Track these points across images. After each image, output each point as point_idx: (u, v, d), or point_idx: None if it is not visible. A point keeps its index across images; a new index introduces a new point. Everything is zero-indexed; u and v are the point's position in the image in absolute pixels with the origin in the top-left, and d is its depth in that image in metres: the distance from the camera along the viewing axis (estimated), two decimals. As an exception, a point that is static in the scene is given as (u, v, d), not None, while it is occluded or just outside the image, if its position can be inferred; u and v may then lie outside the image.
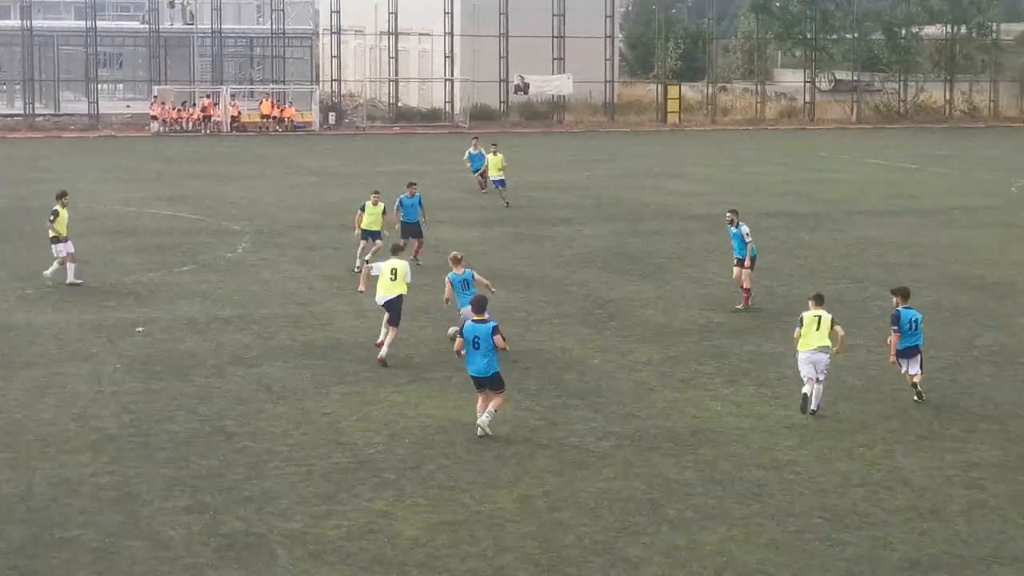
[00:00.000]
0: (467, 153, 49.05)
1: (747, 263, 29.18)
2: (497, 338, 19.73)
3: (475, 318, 20.01)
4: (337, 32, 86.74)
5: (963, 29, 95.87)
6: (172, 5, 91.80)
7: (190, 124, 79.51)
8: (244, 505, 16.94)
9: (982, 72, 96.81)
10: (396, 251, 25.67)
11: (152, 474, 18.09)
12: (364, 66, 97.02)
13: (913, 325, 21.65)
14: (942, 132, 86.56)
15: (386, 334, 24.60)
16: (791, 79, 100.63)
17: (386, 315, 24.77)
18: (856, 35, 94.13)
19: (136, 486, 17.60)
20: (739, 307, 29.10)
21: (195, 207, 45.01)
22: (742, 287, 29.36)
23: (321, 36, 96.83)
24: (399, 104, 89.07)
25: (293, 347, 25.51)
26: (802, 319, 21.57)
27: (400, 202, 33.78)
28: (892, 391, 22.53)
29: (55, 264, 31.04)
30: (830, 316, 21.55)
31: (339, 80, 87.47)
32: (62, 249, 30.86)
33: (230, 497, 17.23)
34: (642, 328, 27.31)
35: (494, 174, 46.96)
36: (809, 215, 44.38)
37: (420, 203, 34.08)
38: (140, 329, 26.80)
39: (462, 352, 20.08)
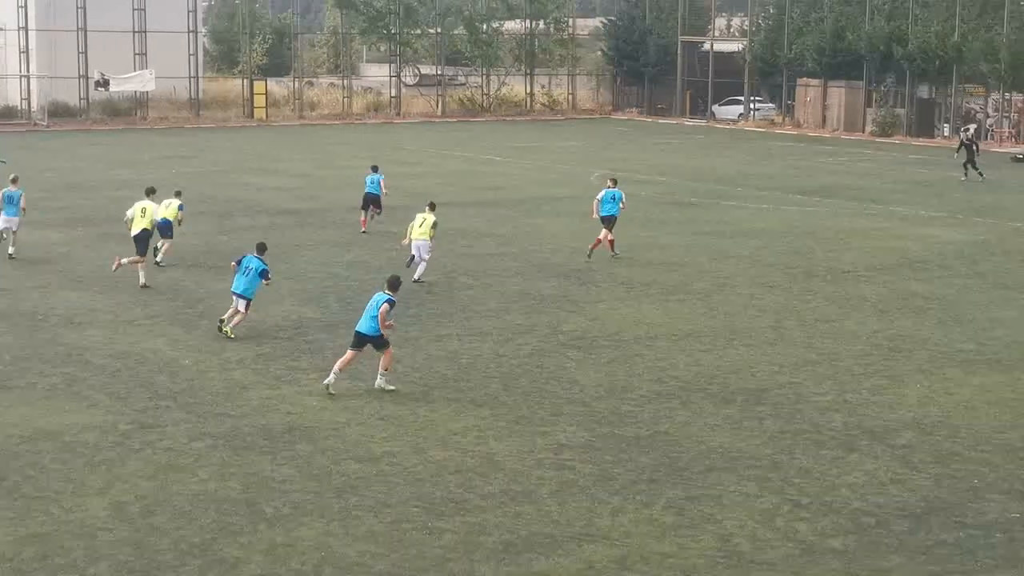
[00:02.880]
0: None
1: None
2: (383, 308, 22.09)
3: (385, 290, 22.48)
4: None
5: (541, 24, 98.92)
6: None
7: None
8: None
9: (560, 66, 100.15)
10: (149, 193, 32.53)
11: None
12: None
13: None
14: (524, 124, 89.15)
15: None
16: (377, 73, 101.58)
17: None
18: (439, 30, 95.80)
19: None
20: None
21: None
22: None
23: None
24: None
25: None
26: (416, 217, 31.91)
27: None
28: (483, 379, 23.05)
29: None
30: (433, 218, 31.95)
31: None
32: None
33: None
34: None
35: None
36: (399, 208, 44.80)
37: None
38: None
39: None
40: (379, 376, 22.46)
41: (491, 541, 15.81)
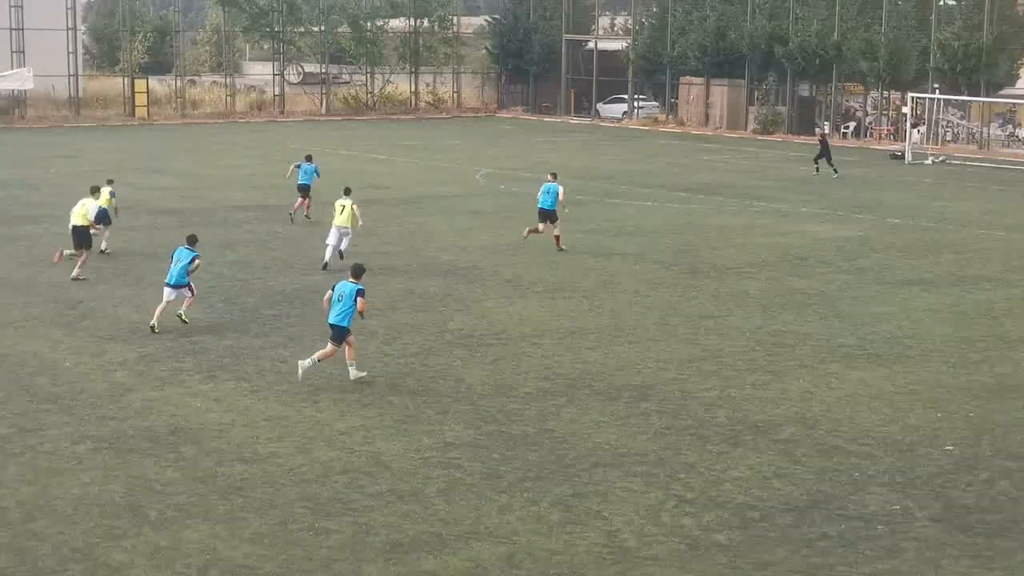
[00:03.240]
0: None
1: None
2: (361, 303, 22.45)
3: (350, 279, 22.63)
4: None
5: (425, 23, 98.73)
6: None
7: None
8: None
9: (445, 64, 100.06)
10: (94, 191, 33.67)
11: None
12: None
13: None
14: (409, 123, 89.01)
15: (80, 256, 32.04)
16: (260, 71, 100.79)
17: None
18: (323, 28, 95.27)
19: None
20: None
21: None
22: None
23: None
24: None
25: None
26: (335, 205, 33.42)
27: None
28: (371, 378, 22.97)
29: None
30: (351, 203, 33.29)
31: None
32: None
33: None
34: (116, 327, 26.68)
35: None
36: (283, 207, 44.52)
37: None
38: None
39: (327, 305, 22.87)
40: (350, 367, 22.82)
41: (378, 541, 15.76)
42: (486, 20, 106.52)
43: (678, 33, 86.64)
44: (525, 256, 35.42)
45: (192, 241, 27.22)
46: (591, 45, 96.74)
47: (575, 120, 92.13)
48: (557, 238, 36.58)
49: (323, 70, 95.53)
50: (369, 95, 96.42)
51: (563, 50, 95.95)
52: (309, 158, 43.10)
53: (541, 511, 16.81)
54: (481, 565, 15.16)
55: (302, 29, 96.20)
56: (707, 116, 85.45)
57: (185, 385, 22.54)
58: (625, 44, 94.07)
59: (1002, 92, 75.57)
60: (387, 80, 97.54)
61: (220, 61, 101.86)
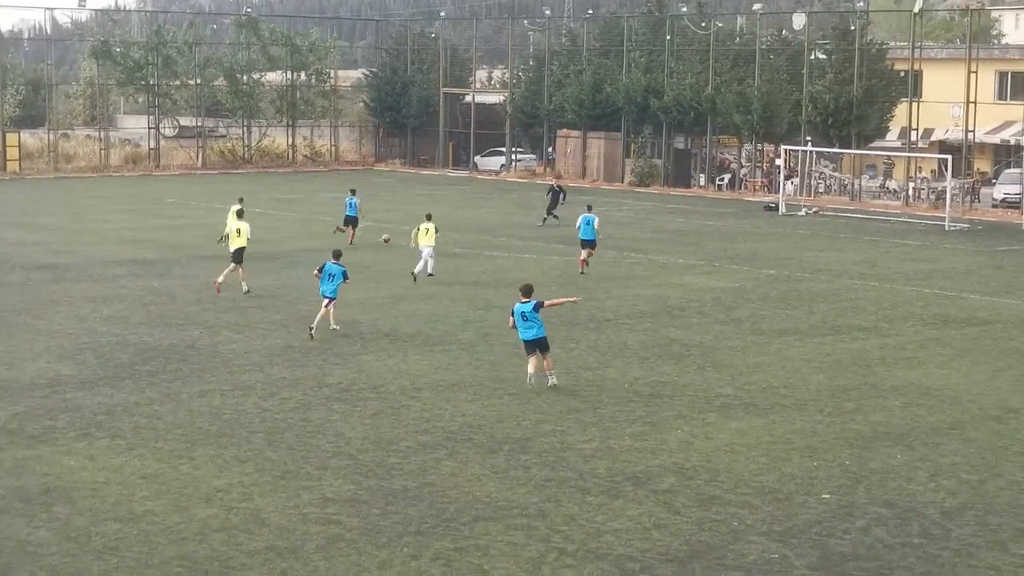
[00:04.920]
0: None
1: None
2: (546, 304, 26.45)
3: (523, 300, 26.26)
4: None
5: (303, 76, 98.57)
6: None
7: None
8: None
9: (323, 117, 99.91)
10: (239, 215, 39.01)
11: None
12: None
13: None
14: (287, 176, 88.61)
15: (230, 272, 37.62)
16: (135, 125, 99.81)
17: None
18: (199, 81, 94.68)
19: None
20: None
21: None
22: None
23: None
24: None
25: None
26: (419, 228, 40.95)
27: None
28: (247, 434, 22.72)
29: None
30: (434, 225, 40.89)
31: None
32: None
33: None
34: (-13, 385, 26.14)
35: None
36: (158, 261, 44.12)
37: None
38: None
39: (514, 325, 26.54)
40: (549, 376, 26.27)
41: (257, 599, 15.56)
42: (363, 73, 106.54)
43: (555, 86, 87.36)
44: (403, 309, 35.34)
45: (338, 256, 32.11)
46: (469, 98, 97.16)
47: (453, 173, 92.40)
48: (589, 258, 43.19)
49: (199, 123, 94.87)
50: (246, 148, 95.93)
51: (441, 103, 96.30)
52: (353, 192, 51.57)
53: (422, 566, 16.70)
54: (361, 622, 15.01)
55: (178, 82, 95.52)
56: (584, 168, 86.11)
57: (58, 443, 22.12)
58: (502, 97, 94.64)
59: (872, 144, 77.05)
60: (264, 133, 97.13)
61: (94, 114, 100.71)
